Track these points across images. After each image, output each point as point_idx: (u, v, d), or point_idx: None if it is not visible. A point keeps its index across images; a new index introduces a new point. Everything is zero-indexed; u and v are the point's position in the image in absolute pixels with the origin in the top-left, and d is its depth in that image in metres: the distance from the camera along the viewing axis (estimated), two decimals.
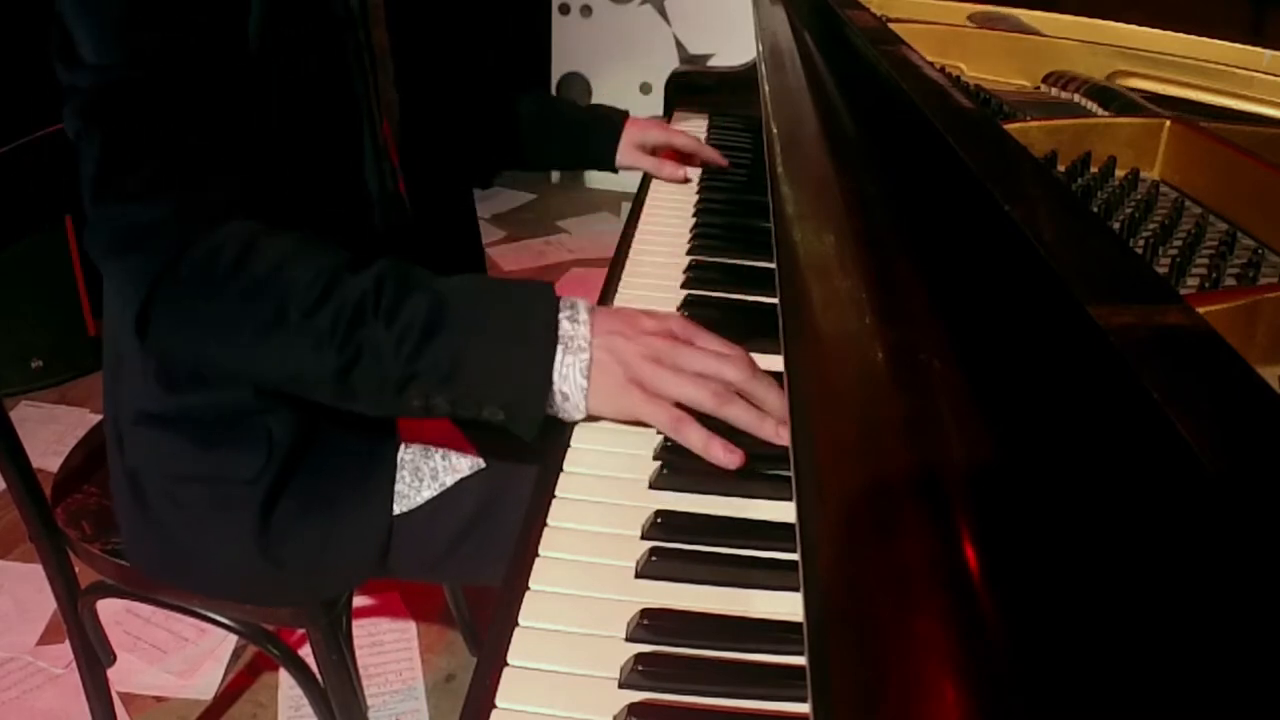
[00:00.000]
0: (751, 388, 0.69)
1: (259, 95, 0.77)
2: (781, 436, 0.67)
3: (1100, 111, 1.02)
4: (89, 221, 0.72)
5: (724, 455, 0.66)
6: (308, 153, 0.82)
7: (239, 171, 0.75)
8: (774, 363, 0.77)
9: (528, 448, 0.72)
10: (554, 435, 0.71)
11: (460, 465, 0.91)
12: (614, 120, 1.27)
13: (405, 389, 0.70)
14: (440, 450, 0.92)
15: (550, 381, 0.69)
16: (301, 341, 0.69)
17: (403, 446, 0.92)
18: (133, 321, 0.71)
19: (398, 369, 0.69)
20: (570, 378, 0.69)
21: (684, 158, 1.28)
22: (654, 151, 1.27)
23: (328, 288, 0.70)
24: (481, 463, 0.92)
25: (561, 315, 0.70)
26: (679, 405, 0.69)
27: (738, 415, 0.68)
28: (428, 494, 0.90)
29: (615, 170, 1.29)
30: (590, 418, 0.71)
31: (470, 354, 0.69)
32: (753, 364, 0.71)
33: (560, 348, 0.69)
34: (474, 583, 1.38)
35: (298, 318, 0.69)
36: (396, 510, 0.90)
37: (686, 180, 1.26)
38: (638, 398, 0.69)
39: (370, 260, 0.72)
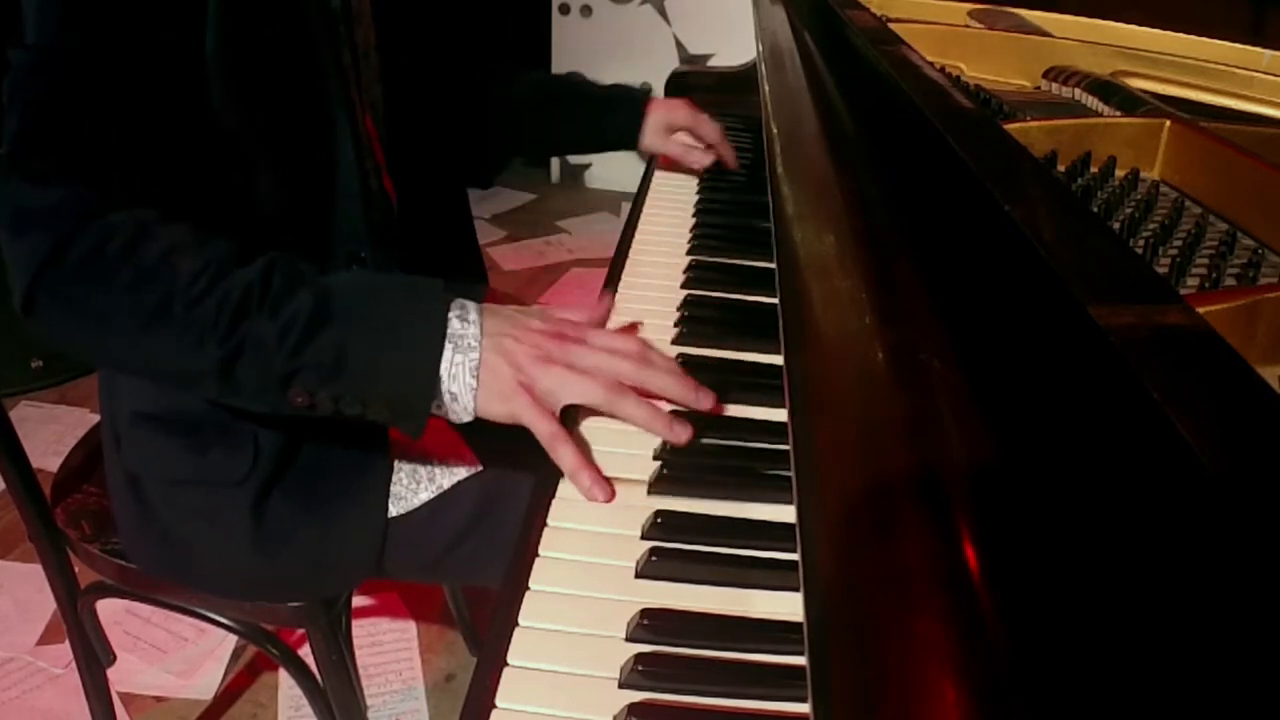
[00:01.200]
0: (646, 379, 0.69)
1: (216, 93, 0.76)
2: (676, 434, 0.67)
3: (1101, 106, 1.02)
4: None
5: (590, 486, 0.64)
6: (277, 150, 0.81)
7: (155, 169, 0.74)
8: (774, 363, 0.77)
9: (526, 451, 0.72)
10: None
11: (457, 469, 0.91)
12: (636, 98, 1.22)
13: (288, 384, 0.69)
14: (438, 453, 0.92)
15: (437, 380, 0.68)
16: (185, 333, 0.68)
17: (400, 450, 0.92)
18: (19, 305, 0.71)
19: (281, 363, 0.68)
20: (459, 377, 0.68)
21: (706, 148, 1.23)
22: (681, 130, 1.22)
23: (214, 279, 0.69)
24: (479, 464, 0.91)
25: (451, 314, 0.69)
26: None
27: (631, 413, 0.68)
28: (425, 496, 0.90)
29: (637, 149, 1.23)
30: (594, 417, 0.71)
31: (354, 349, 0.68)
32: (646, 355, 0.70)
33: (449, 346, 0.68)
34: (472, 584, 1.38)
35: (181, 309, 0.68)
36: (394, 512, 0.90)
37: (703, 175, 1.23)
38: (524, 403, 0.68)
39: (258, 254, 0.71)
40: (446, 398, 0.69)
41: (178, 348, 0.69)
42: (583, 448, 0.68)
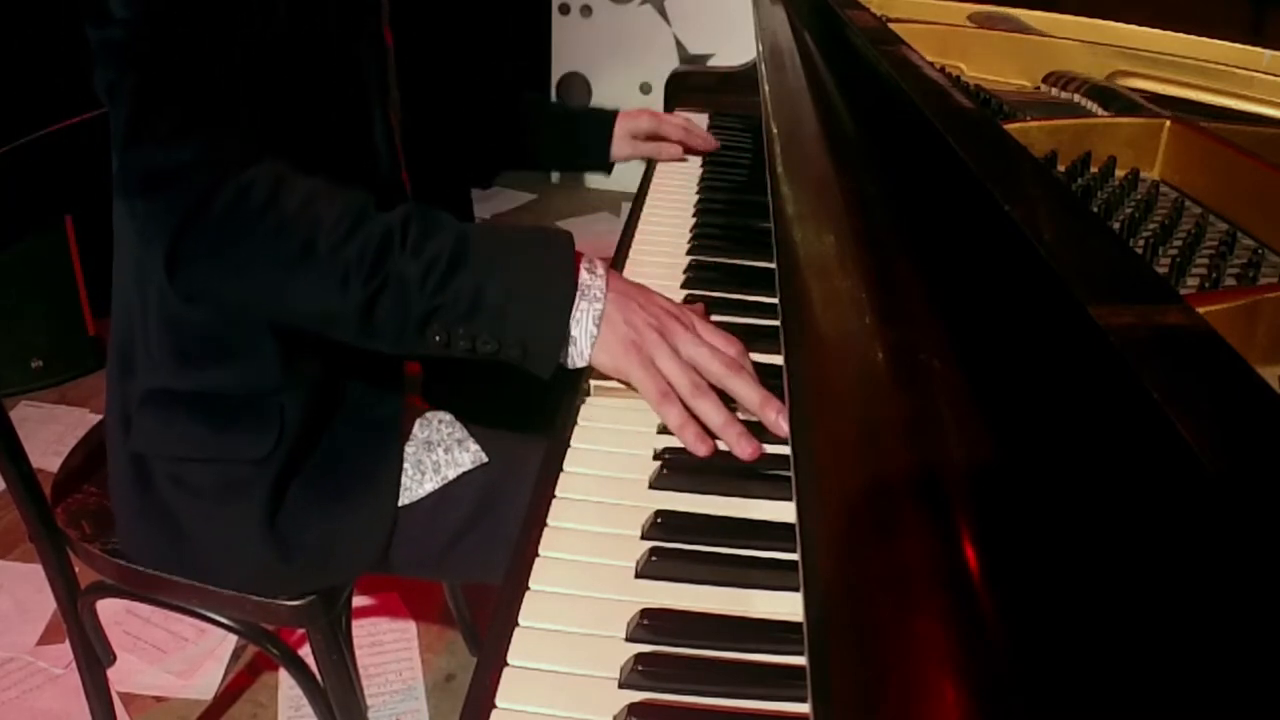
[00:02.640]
0: (731, 384, 0.71)
1: (282, 66, 0.78)
2: (742, 449, 0.68)
3: (1100, 111, 1.02)
4: (119, 169, 0.74)
5: (695, 441, 0.68)
6: (323, 132, 0.84)
7: (260, 124, 0.77)
8: (774, 363, 0.77)
9: (530, 445, 0.73)
10: (555, 435, 0.71)
11: (462, 459, 0.92)
12: (604, 117, 1.29)
13: (428, 322, 0.72)
14: (443, 445, 0.92)
15: (568, 324, 0.72)
16: (329, 273, 0.71)
17: (406, 441, 0.92)
18: (162, 261, 0.73)
19: (422, 302, 0.71)
20: (583, 323, 0.72)
21: (677, 140, 1.32)
22: (648, 139, 1.30)
23: (356, 222, 0.72)
24: (484, 457, 0.92)
25: (582, 265, 0.74)
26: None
27: (705, 411, 0.70)
28: (430, 487, 0.91)
29: (608, 171, 1.32)
30: (594, 417, 0.71)
31: (493, 290, 0.72)
32: (741, 362, 0.73)
33: (578, 293, 0.73)
34: (474, 580, 1.38)
35: (326, 251, 0.71)
36: (400, 502, 0.90)
37: (683, 159, 1.31)
38: (636, 361, 0.72)
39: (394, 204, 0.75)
40: (569, 342, 0.73)
41: (323, 289, 0.72)
42: (583, 447, 0.68)
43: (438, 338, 0.73)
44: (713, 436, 0.69)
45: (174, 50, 0.73)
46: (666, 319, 0.74)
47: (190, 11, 0.73)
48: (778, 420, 0.69)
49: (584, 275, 0.74)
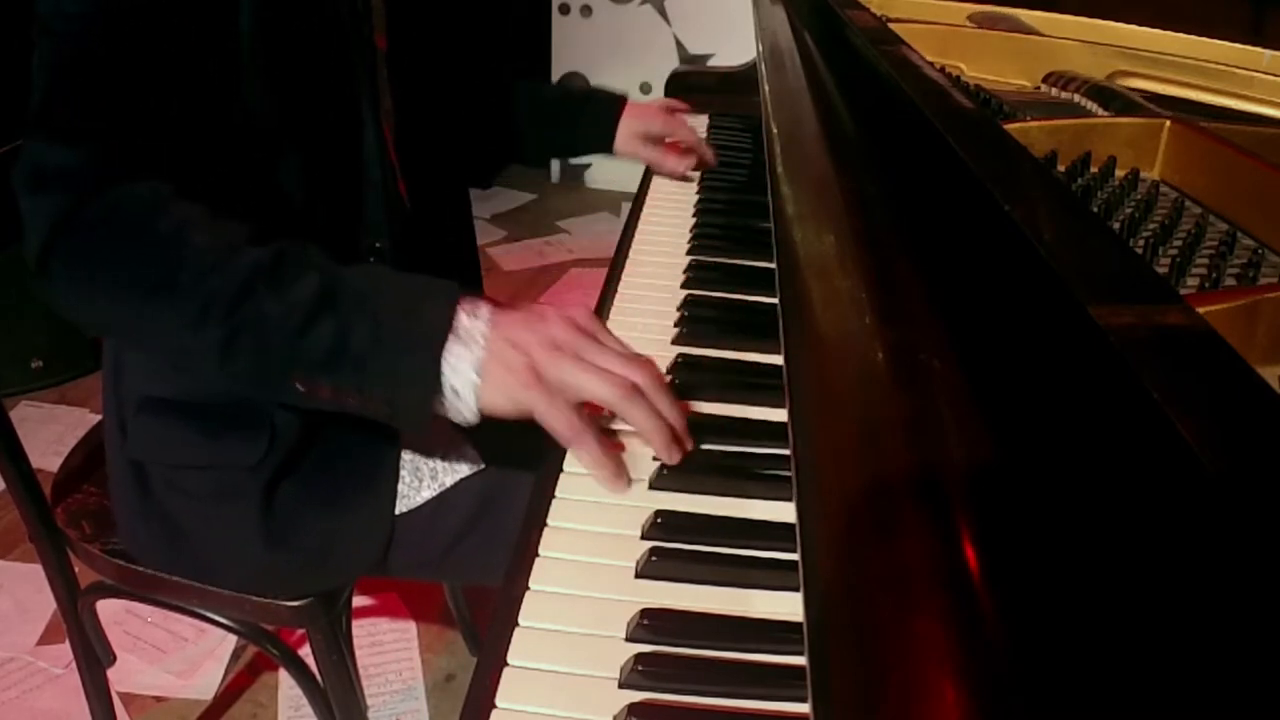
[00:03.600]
0: (655, 396, 0.66)
1: (250, 77, 0.77)
2: (672, 455, 0.65)
3: (1100, 111, 1.02)
4: (19, 157, 0.72)
5: (612, 480, 0.64)
6: (307, 140, 0.82)
7: (180, 145, 0.75)
8: (774, 363, 0.77)
9: (528, 449, 0.72)
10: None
11: (460, 466, 0.91)
12: (612, 104, 1.24)
13: (288, 369, 0.68)
14: (440, 451, 0.92)
15: (439, 375, 0.66)
16: (188, 306, 0.68)
17: (404, 447, 0.92)
18: (33, 264, 0.71)
19: (281, 346, 0.67)
20: (461, 371, 0.66)
21: (684, 151, 1.26)
22: (656, 141, 1.24)
23: (224, 256, 0.68)
24: (481, 463, 0.92)
25: (461, 310, 0.68)
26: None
27: (640, 419, 0.65)
28: (427, 494, 0.90)
29: (613, 152, 1.25)
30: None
31: (356, 336, 0.67)
32: (659, 373, 0.68)
33: (453, 339, 0.66)
34: (474, 582, 1.38)
35: (189, 282, 0.68)
36: (397, 510, 0.90)
37: (686, 179, 1.24)
38: (537, 395, 0.65)
39: (272, 238, 0.71)
40: (449, 393, 0.67)
41: (180, 320, 0.69)
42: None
43: (299, 386, 0.69)
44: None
45: (97, 56, 0.71)
46: (562, 332, 0.67)
47: (129, 24, 0.71)
48: (672, 451, 0.65)
49: (463, 319, 0.67)
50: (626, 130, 1.22)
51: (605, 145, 1.23)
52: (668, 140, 1.25)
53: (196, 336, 0.68)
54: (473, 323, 0.68)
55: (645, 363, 0.68)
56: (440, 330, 0.67)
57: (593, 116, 1.24)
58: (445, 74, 1.02)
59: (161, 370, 0.87)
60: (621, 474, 0.64)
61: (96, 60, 0.71)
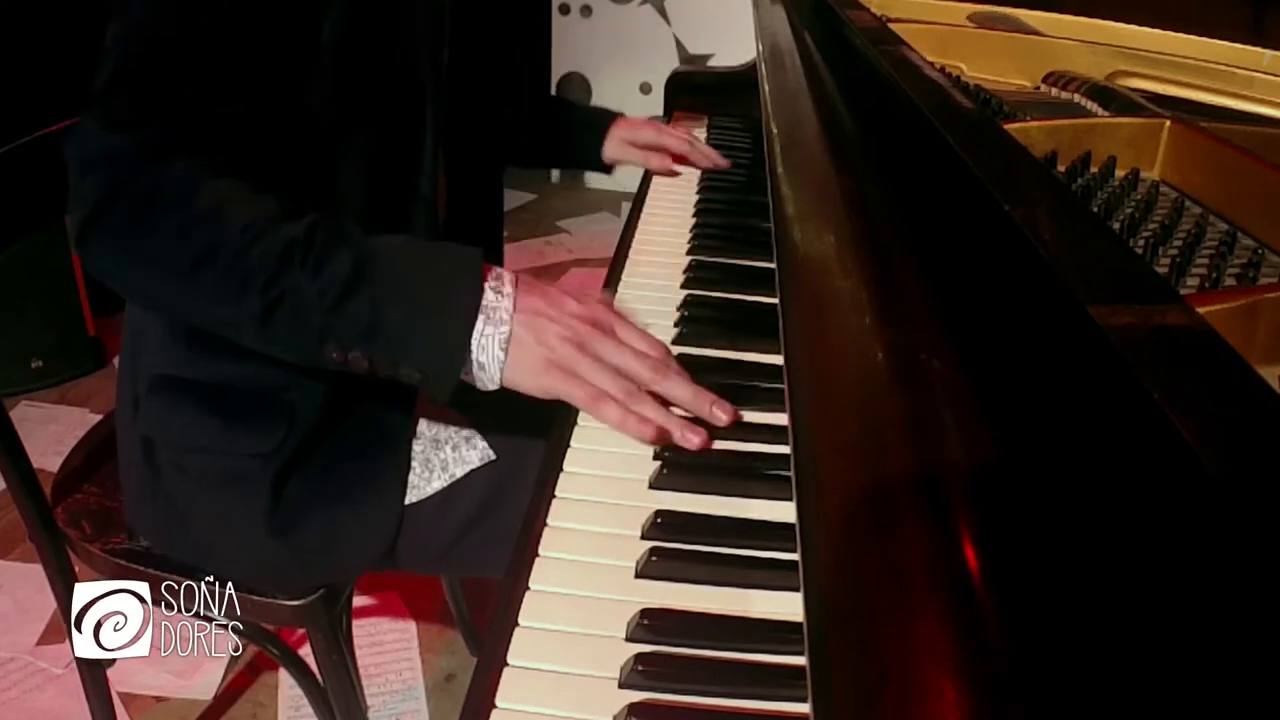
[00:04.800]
0: (664, 388, 0.70)
1: (320, 84, 0.79)
2: (686, 440, 0.68)
3: (1100, 111, 1.02)
4: (76, 131, 0.74)
5: (637, 429, 0.67)
6: (370, 146, 0.84)
7: (239, 143, 0.76)
8: (774, 363, 0.77)
9: (538, 441, 0.72)
10: (555, 434, 0.71)
11: (470, 457, 0.92)
12: (602, 118, 1.28)
13: (325, 340, 0.71)
14: (450, 443, 0.92)
15: (468, 349, 0.70)
16: (228, 280, 0.71)
17: (414, 439, 0.92)
18: (75, 236, 0.73)
19: (318, 319, 0.70)
20: (489, 349, 0.70)
21: (677, 158, 1.28)
22: (645, 148, 1.27)
23: (261, 231, 0.71)
24: (492, 454, 0.92)
25: (487, 285, 0.71)
26: None
27: (646, 413, 0.69)
28: (438, 485, 0.91)
29: (607, 171, 1.31)
30: (591, 418, 0.71)
31: (390, 312, 0.70)
32: (668, 361, 0.72)
33: (481, 317, 0.70)
34: (480, 574, 1.38)
35: (227, 257, 0.70)
36: (406, 501, 0.90)
37: (675, 174, 1.27)
38: (556, 377, 0.70)
39: (305, 212, 0.74)
40: (474, 367, 0.71)
41: (220, 295, 0.72)
42: (583, 448, 0.68)
43: (334, 355, 0.72)
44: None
45: (167, 50, 0.73)
46: (584, 329, 0.72)
47: (212, 22, 0.73)
48: (713, 411, 0.69)
49: (489, 296, 0.71)
50: (615, 138, 1.27)
51: (595, 157, 1.28)
52: (657, 149, 1.28)
53: (235, 308, 0.71)
54: (499, 299, 0.71)
55: (652, 359, 0.72)
56: (470, 308, 0.70)
57: (584, 131, 1.28)
58: (493, 76, 1.03)
59: (181, 350, 0.88)
60: (649, 424, 0.67)
61: (166, 52, 0.73)
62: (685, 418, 0.70)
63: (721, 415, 0.69)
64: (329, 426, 0.88)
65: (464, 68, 0.93)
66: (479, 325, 0.70)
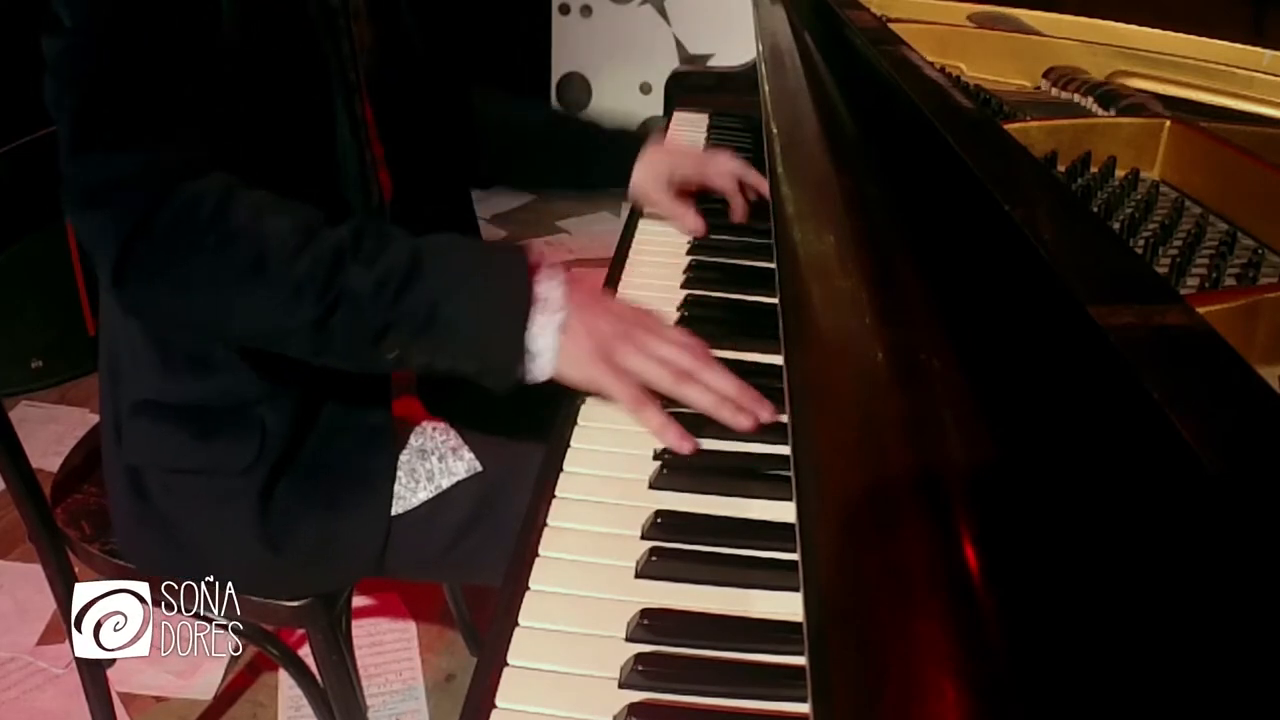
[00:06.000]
0: (707, 376, 0.71)
1: (231, 75, 0.77)
2: (739, 421, 0.69)
3: (1100, 111, 1.02)
4: (64, 179, 0.72)
5: (677, 441, 0.68)
6: (278, 136, 0.82)
7: (209, 134, 0.75)
8: (774, 363, 0.77)
9: (525, 453, 0.72)
10: (554, 435, 0.71)
11: (457, 469, 0.91)
12: (624, 150, 1.10)
13: (382, 337, 0.71)
14: (437, 453, 0.92)
15: (524, 337, 0.71)
16: (280, 289, 0.70)
17: (401, 449, 0.92)
18: (109, 278, 0.71)
19: (376, 316, 0.70)
20: (543, 338, 0.71)
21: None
22: (681, 185, 1.09)
23: (307, 237, 0.71)
24: (479, 466, 0.91)
25: (539, 276, 0.73)
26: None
27: (695, 397, 0.70)
28: (424, 495, 0.90)
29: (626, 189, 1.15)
30: (594, 417, 0.71)
31: (447, 305, 0.71)
32: (708, 354, 0.74)
33: (534, 307, 0.71)
34: (472, 581, 1.38)
35: (276, 265, 0.70)
36: (394, 511, 0.90)
37: (705, 236, 1.05)
38: (605, 370, 0.71)
39: (339, 217, 0.74)
40: (527, 356, 0.72)
41: (273, 306, 0.71)
42: (583, 448, 0.69)
43: (392, 354, 0.72)
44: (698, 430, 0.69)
45: (116, 59, 0.71)
46: (630, 326, 0.73)
47: (135, 23, 0.71)
48: (756, 406, 0.70)
49: (542, 286, 0.72)
50: (650, 173, 1.08)
51: (621, 179, 1.11)
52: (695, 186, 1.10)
53: (290, 318, 0.71)
54: (549, 292, 0.73)
55: (695, 348, 0.73)
56: (525, 297, 0.72)
57: (610, 157, 1.12)
58: (434, 67, 1.02)
59: (154, 374, 0.87)
60: (685, 438, 0.68)
61: (112, 67, 0.71)
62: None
63: (764, 412, 0.70)
64: (303, 436, 0.88)
65: (391, 47, 0.92)
66: (533, 314, 0.71)
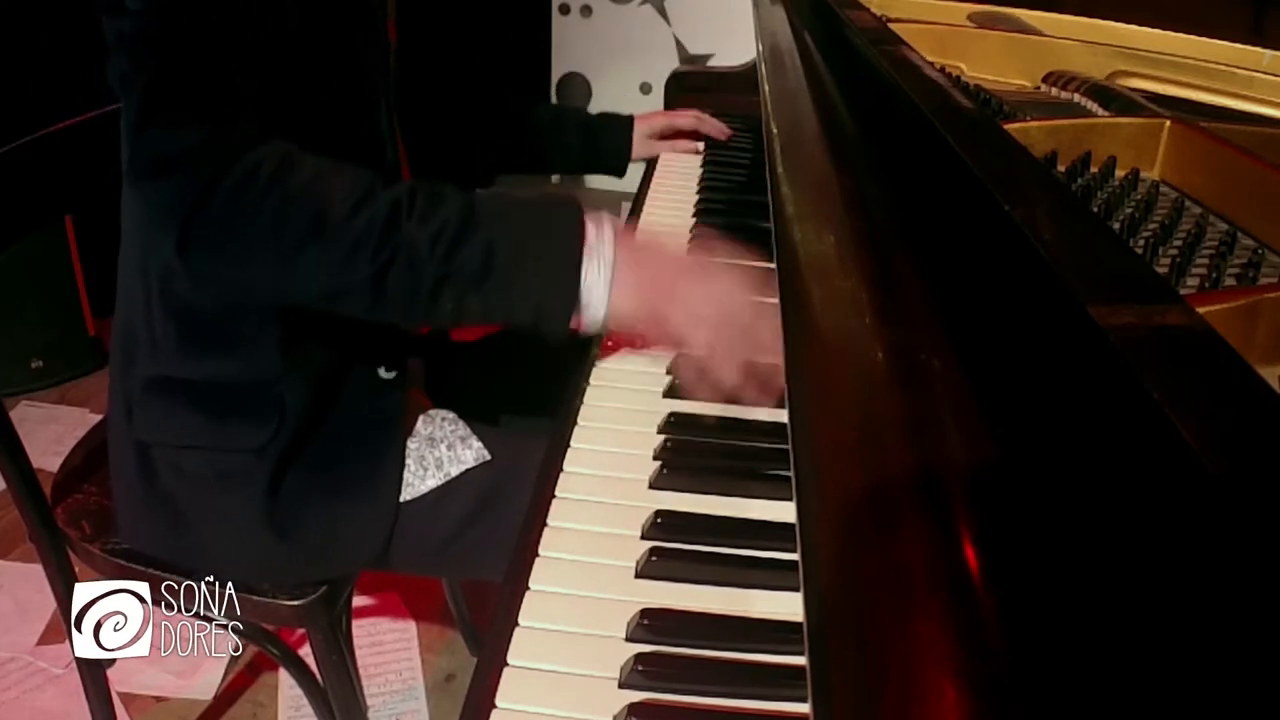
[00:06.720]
0: (732, 365, 0.75)
1: (291, 59, 0.79)
2: (762, 400, 0.73)
3: (1100, 111, 1.02)
4: (129, 157, 0.74)
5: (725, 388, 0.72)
6: (331, 125, 0.84)
7: (268, 112, 0.77)
8: (773, 363, 0.77)
9: (534, 442, 0.73)
10: (555, 435, 0.71)
11: (465, 457, 0.92)
12: (623, 124, 1.33)
13: (440, 289, 0.73)
14: (445, 441, 0.93)
15: (579, 285, 0.73)
16: (339, 247, 0.72)
17: (410, 437, 0.92)
18: (173, 247, 0.73)
19: (432, 269, 0.72)
20: (594, 284, 0.74)
21: (689, 135, 1.39)
22: (662, 137, 1.36)
23: (363, 197, 0.73)
24: (487, 455, 0.92)
25: (588, 223, 0.76)
26: None
27: (718, 377, 0.74)
28: (432, 483, 0.91)
29: (622, 174, 1.33)
30: (594, 417, 0.71)
31: (502, 255, 0.73)
32: (749, 307, 0.77)
33: (587, 252, 0.74)
34: (474, 576, 1.38)
35: (335, 224, 0.72)
36: (401, 498, 0.90)
37: (699, 152, 1.37)
38: (661, 302, 0.75)
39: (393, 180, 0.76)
40: (581, 304, 0.74)
41: (332, 263, 0.72)
42: (583, 448, 0.68)
43: (450, 305, 0.74)
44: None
45: (183, 39, 0.73)
46: (678, 276, 0.77)
47: (203, 3, 0.73)
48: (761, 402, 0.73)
49: (592, 232, 0.75)
50: (638, 136, 1.33)
51: (621, 160, 1.33)
52: (671, 132, 1.37)
53: (349, 274, 0.72)
54: (600, 238, 0.75)
55: (742, 309, 0.77)
56: (577, 245, 0.74)
57: (610, 134, 1.33)
58: (451, 68, 1.04)
59: (172, 351, 0.88)
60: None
61: (181, 46, 0.73)
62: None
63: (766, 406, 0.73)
64: (320, 418, 0.89)
65: (415, 53, 0.95)
66: (585, 261, 0.73)
